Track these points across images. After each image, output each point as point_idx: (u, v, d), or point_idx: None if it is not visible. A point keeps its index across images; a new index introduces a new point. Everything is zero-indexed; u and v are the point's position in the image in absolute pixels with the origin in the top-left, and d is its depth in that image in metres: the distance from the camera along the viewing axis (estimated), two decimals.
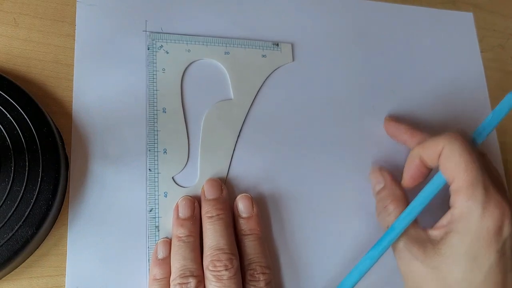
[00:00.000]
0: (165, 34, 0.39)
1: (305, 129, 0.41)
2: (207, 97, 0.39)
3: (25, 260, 0.32)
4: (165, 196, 0.36)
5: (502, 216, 0.31)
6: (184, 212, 0.35)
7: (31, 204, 0.31)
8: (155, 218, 0.35)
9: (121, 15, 0.39)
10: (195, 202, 0.35)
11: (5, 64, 0.36)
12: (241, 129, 0.39)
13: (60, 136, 0.35)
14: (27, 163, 0.32)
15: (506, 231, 0.31)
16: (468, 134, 0.34)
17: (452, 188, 0.33)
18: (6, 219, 0.31)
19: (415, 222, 0.35)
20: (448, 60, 0.47)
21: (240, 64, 0.40)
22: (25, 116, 0.33)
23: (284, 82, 0.41)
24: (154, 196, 0.36)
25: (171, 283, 0.32)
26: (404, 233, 0.34)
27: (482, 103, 0.47)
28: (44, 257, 0.33)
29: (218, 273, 0.32)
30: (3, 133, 0.32)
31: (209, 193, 0.35)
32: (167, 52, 0.39)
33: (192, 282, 0.32)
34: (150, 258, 0.34)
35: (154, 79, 0.38)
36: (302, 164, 0.39)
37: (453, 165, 0.33)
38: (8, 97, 0.33)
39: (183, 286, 0.32)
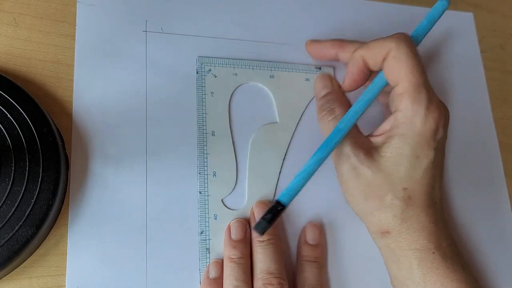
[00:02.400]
0: (213, 58, 0.40)
1: None
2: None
3: (25, 260, 0.32)
4: (215, 218, 0.36)
5: (439, 117, 0.33)
6: (236, 234, 0.35)
7: (32, 204, 0.31)
8: (206, 240, 0.36)
9: (121, 15, 0.39)
10: (247, 224, 0.36)
11: (6, 64, 0.36)
12: (286, 152, 0.39)
13: (61, 136, 0.35)
14: (27, 163, 0.32)
15: (441, 131, 0.34)
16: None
17: (396, 91, 0.34)
18: (6, 219, 0.31)
19: (358, 130, 0.36)
20: (448, 60, 0.47)
21: (284, 87, 0.41)
22: (26, 116, 0.33)
23: None
24: (204, 218, 0.36)
25: None
26: (349, 139, 0.35)
27: (482, 103, 0.47)
28: (44, 257, 0.33)
29: None
30: (4, 133, 0.32)
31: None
32: (215, 76, 0.39)
33: None
34: (201, 280, 0.35)
35: (203, 102, 0.38)
36: None
37: (399, 67, 0.33)
38: (8, 97, 0.33)
39: None
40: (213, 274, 0.34)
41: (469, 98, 0.46)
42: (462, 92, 0.46)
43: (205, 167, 0.37)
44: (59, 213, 0.34)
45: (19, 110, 0.33)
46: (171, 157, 0.37)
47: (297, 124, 0.41)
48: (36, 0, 0.38)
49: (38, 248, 0.33)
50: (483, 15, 0.50)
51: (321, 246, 0.36)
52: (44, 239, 0.33)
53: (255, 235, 0.35)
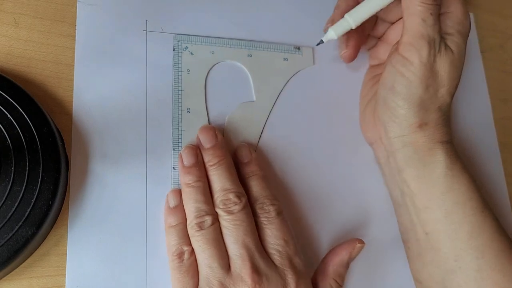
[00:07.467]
0: (191, 36, 0.40)
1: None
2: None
3: (25, 260, 0.32)
4: None
5: None
6: (188, 160, 0.35)
7: (31, 204, 0.31)
8: None
9: (121, 15, 0.39)
10: (198, 149, 0.36)
11: (6, 64, 0.36)
12: (262, 131, 0.40)
13: (60, 136, 0.35)
14: (27, 163, 0.32)
15: None
16: None
17: None
18: (6, 219, 0.31)
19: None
20: None
21: (262, 66, 0.41)
22: (26, 116, 0.33)
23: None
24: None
25: (188, 227, 0.34)
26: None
27: (482, 103, 0.47)
28: (44, 257, 0.33)
29: (229, 208, 0.33)
30: (4, 133, 0.32)
31: (206, 141, 0.36)
32: (192, 54, 0.39)
33: (208, 219, 0.33)
34: (164, 211, 0.35)
35: (179, 80, 0.39)
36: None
37: None
38: (8, 97, 0.33)
39: (201, 225, 0.33)
40: (173, 203, 0.35)
41: (469, 98, 0.46)
42: (462, 92, 0.46)
43: (180, 144, 0.37)
44: (59, 213, 0.34)
45: (19, 110, 0.33)
46: (171, 157, 0.37)
47: (274, 103, 0.40)
48: (36, 0, 0.38)
49: (38, 248, 0.33)
50: (483, 15, 0.50)
51: (254, 160, 0.37)
52: (44, 239, 0.33)
53: (206, 159, 0.35)
